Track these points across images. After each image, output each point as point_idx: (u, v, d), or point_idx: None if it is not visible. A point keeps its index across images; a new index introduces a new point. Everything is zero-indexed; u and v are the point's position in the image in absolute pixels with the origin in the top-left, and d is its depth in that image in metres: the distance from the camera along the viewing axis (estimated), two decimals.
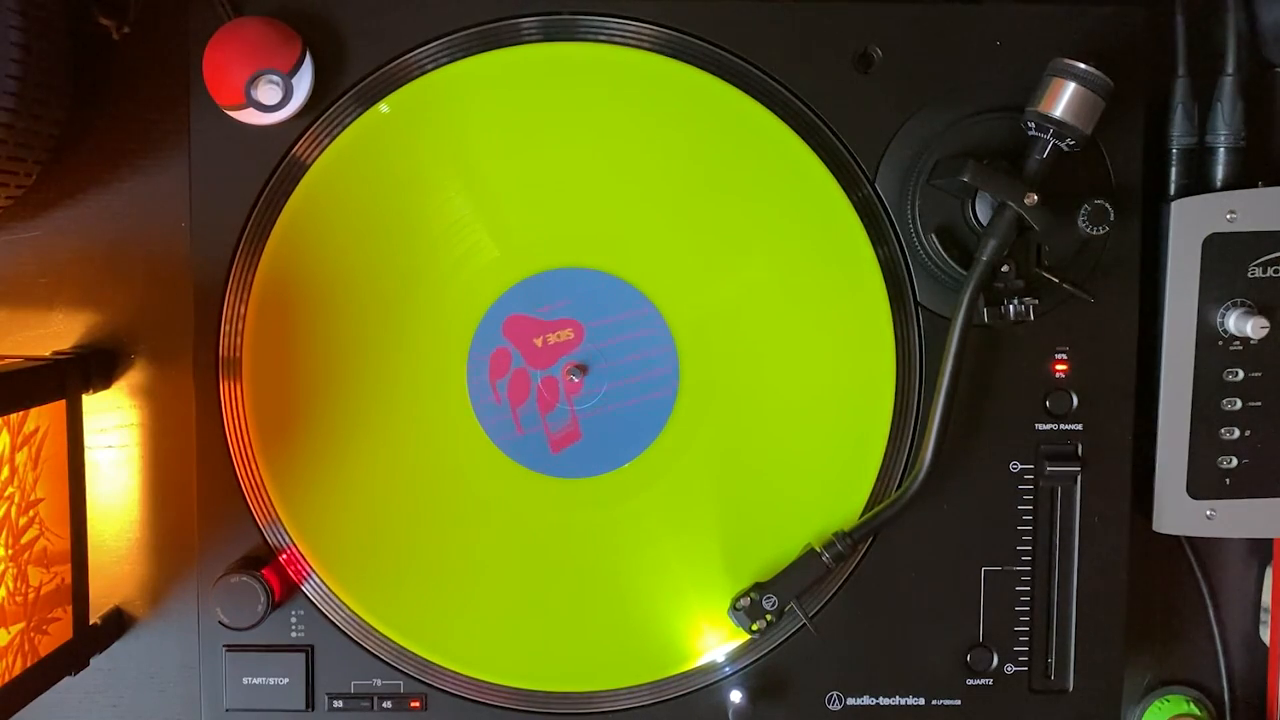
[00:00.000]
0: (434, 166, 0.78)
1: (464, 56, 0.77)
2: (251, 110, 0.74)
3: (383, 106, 0.77)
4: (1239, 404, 0.80)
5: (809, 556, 0.78)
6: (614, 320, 0.79)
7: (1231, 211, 0.78)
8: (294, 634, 0.79)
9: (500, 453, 0.79)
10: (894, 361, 0.79)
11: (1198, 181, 0.82)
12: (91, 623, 0.84)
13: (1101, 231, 0.73)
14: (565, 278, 0.79)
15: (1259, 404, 0.80)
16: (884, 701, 0.81)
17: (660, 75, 0.78)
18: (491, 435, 0.79)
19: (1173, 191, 0.82)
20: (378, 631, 0.80)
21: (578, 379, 0.79)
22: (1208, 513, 0.81)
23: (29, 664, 0.77)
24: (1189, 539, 0.88)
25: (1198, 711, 0.89)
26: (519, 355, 0.79)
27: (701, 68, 0.78)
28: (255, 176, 0.77)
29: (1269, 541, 0.88)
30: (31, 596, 0.77)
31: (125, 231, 0.85)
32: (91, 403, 0.84)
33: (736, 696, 0.79)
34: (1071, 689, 0.81)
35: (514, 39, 0.78)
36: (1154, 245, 0.80)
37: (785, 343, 0.79)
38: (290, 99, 0.74)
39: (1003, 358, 0.79)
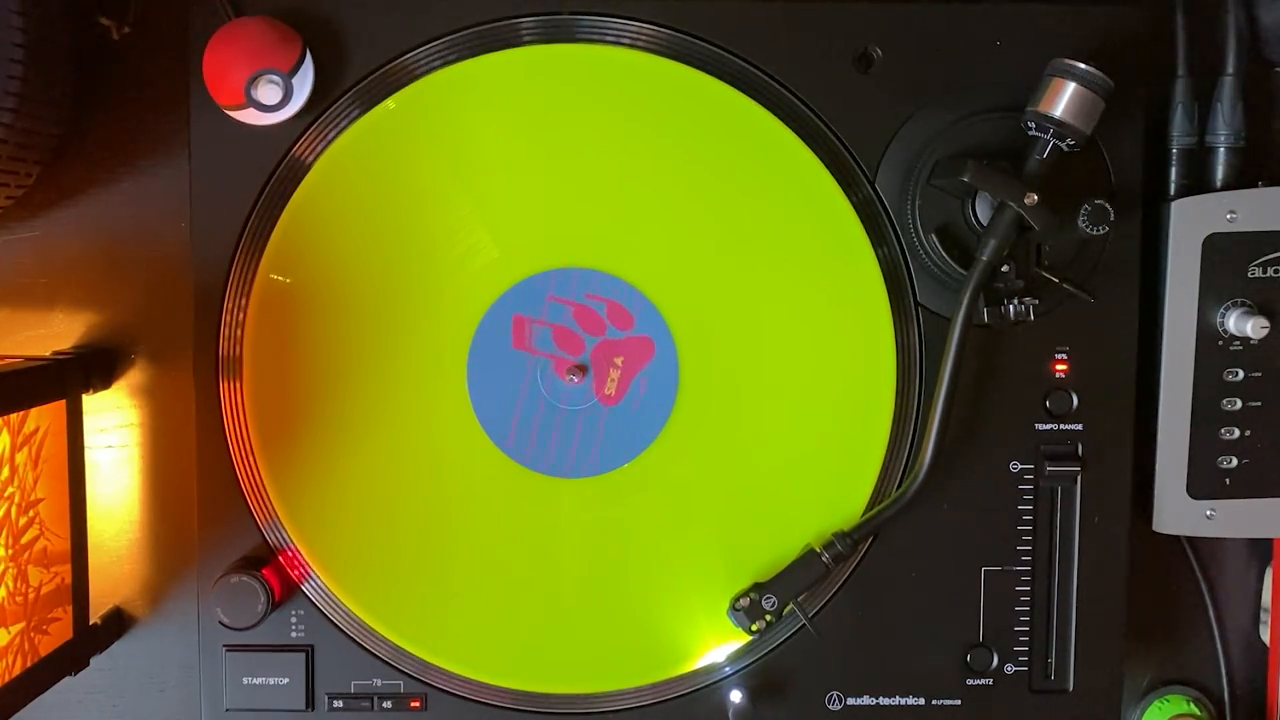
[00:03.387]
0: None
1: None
2: (251, 110, 0.74)
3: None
4: (1239, 404, 0.80)
5: (809, 556, 0.78)
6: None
7: (1231, 211, 0.78)
8: (294, 634, 0.79)
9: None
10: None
11: (1198, 181, 0.82)
12: (91, 623, 0.84)
13: (1101, 231, 0.73)
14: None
15: (1259, 404, 0.80)
16: (884, 701, 0.81)
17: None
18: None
19: (1173, 191, 0.82)
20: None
21: (577, 379, 0.79)
22: (1208, 513, 0.81)
23: (29, 664, 0.77)
24: (1189, 539, 0.88)
25: (1198, 711, 0.89)
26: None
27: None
28: (255, 176, 0.77)
29: (1269, 541, 0.88)
30: (31, 596, 0.77)
31: (125, 231, 0.85)
32: (91, 403, 0.84)
33: (736, 696, 0.79)
34: (1071, 689, 0.81)
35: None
36: (1154, 245, 0.80)
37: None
38: (290, 99, 0.74)
39: (1003, 358, 0.79)
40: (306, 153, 0.77)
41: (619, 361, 0.79)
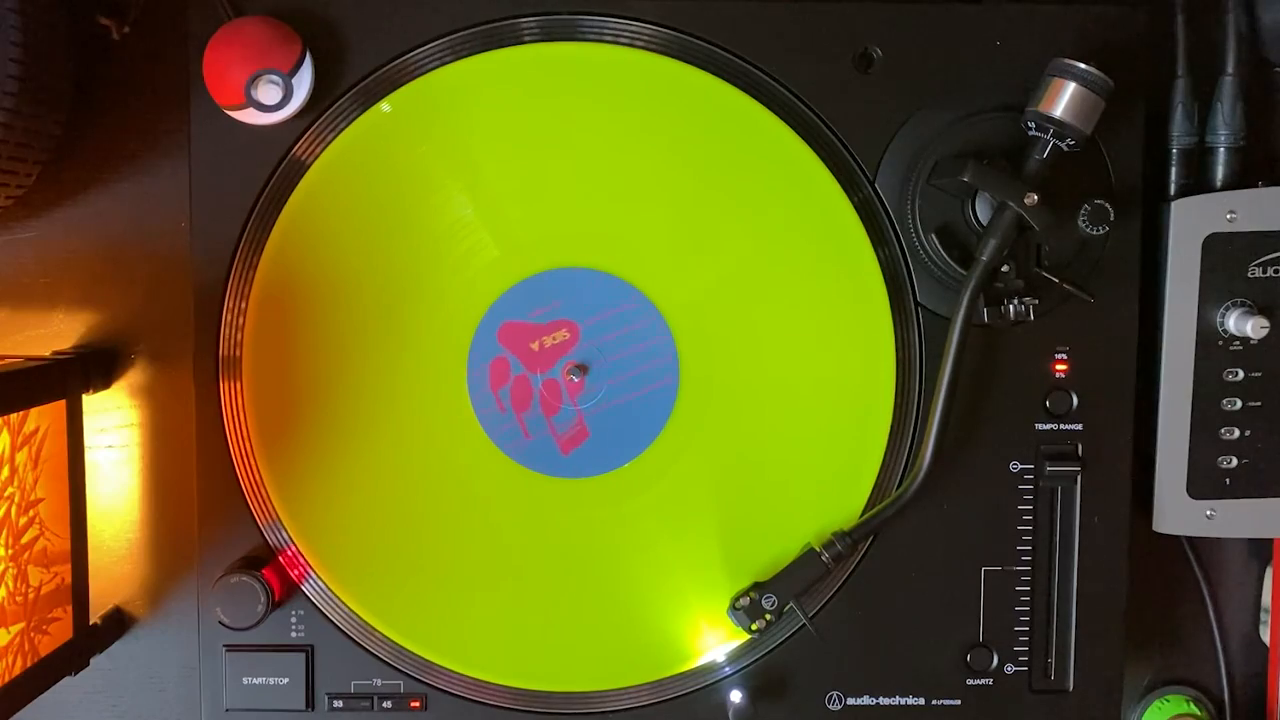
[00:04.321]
0: (434, 166, 0.78)
1: (464, 56, 0.77)
2: (251, 110, 0.74)
3: (384, 106, 0.77)
4: (1239, 404, 0.80)
5: (809, 556, 0.78)
6: (614, 320, 0.79)
7: (1231, 211, 0.78)
8: (294, 634, 0.79)
9: (498, 451, 0.79)
10: (894, 361, 0.79)
11: (1198, 181, 0.82)
12: (91, 623, 0.84)
13: (1101, 231, 0.73)
14: (565, 277, 0.79)
15: (1259, 404, 0.80)
16: (884, 701, 0.81)
17: (660, 75, 0.78)
18: (489, 433, 0.79)
19: (1173, 191, 0.82)
20: (378, 631, 0.80)
21: (577, 379, 0.79)
22: (1208, 513, 0.81)
23: (29, 664, 0.77)
24: (1189, 539, 0.88)
25: (1198, 711, 0.89)
26: (517, 358, 0.79)
27: (701, 68, 0.78)
28: (255, 176, 0.77)
29: (1269, 541, 0.88)
30: (31, 596, 0.77)
31: (125, 231, 0.85)
32: (91, 403, 0.84)
33: (736, 696, 0.79)
34: (1071, 689, 0.81)
35: (514, 39, 0.78)
36: (1154, 245, 0.80)
37: (785, 343, 0.79)
38: (290, 99, 0.74)
39: (1003, 358, 0.79)
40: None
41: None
